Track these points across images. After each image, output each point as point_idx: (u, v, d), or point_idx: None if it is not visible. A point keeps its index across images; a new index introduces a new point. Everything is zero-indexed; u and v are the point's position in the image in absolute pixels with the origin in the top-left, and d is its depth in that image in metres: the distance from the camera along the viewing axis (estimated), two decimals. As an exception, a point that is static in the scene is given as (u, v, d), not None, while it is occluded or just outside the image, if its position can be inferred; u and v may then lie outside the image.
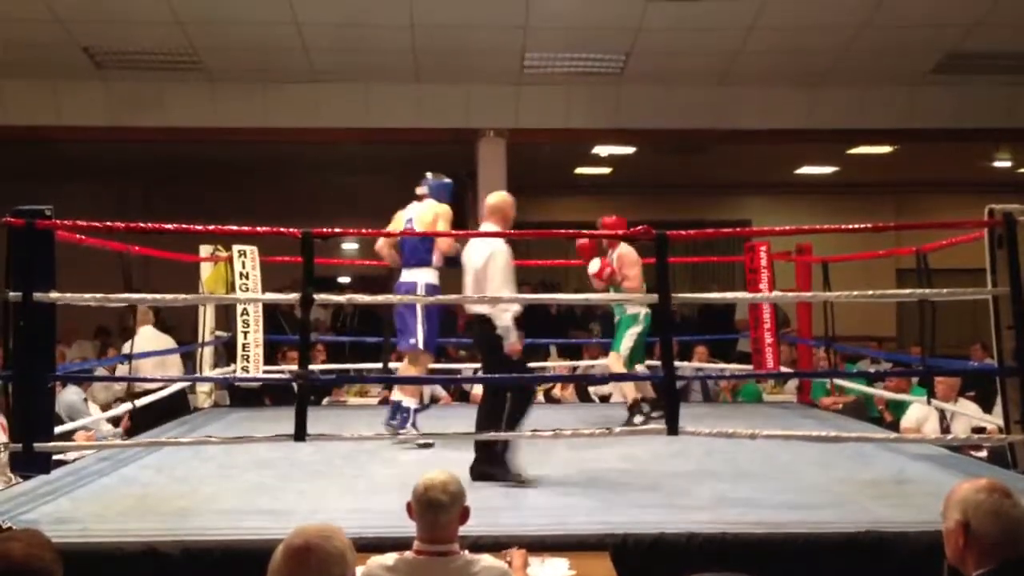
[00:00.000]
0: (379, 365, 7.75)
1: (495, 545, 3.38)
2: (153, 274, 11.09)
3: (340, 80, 9.93)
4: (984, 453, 5.76)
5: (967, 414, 6.45)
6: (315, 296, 4.45)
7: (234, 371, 7.57)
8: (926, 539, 3.53)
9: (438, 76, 9.85)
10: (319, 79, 9.85)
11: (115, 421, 7.11)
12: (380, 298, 5.95)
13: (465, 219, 10.74)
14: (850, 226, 5.42)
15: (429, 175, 6.19)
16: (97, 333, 11.73)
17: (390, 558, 2.84)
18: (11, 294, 4.22)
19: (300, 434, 4.32)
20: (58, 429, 4.83)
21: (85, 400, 7.01)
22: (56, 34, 8.65)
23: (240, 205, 12.79)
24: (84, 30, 8.74)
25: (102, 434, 6.77)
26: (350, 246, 14.86)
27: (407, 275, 6.01)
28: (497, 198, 5.33)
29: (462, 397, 8.85)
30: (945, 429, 6.49)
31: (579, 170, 13.61)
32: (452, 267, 6.08)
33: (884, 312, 14.22)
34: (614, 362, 6.66)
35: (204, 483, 4.91)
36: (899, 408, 7.41)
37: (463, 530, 2.91)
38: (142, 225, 5.10)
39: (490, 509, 4.06)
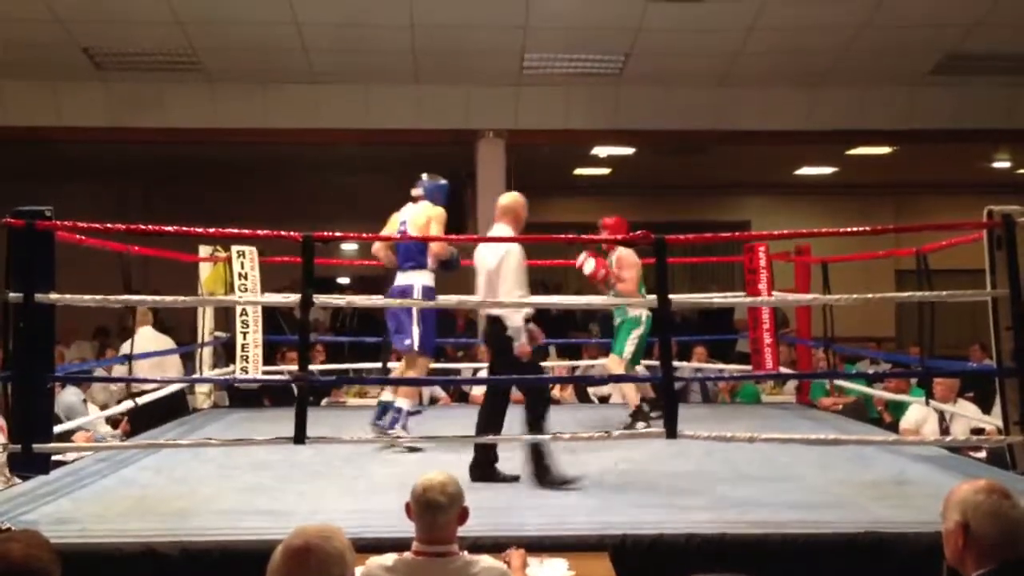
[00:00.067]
0: (378, 365, 7.75)
1: (494, 546, 3.38)
2: (152, 274, 11.08)
3: (340, 81, 9.93)
4: (983, 454, 5.76)
5: (966, 415, 6.45)
6: (315, 298, 4.44)
7: (233, 372, 7.57)
8: (925, 540, 3.53)
9: (438, 77, 9.85)
10: (319, 80, 9.85)
11: (115, 422, 7.11)
12: (380, 301, 5.96)
13: (464, 220, 10.75)
14: (849, 229, 5.40)
15: (424, 176, 6.16)
16: (96, 334, 11.72)
17: (389, 558, 2.84)
18: (11, 295, 4.22)
19: (300, 437, 4.31)
20: (57, 429, 4.82)
21: (84, 401, 7.01)
22: (56, 35, 8.66)
23: (240, 205, 12.80)
24: (84, 31, 8.74)
25: (100, 435, 6.76)
26: (349, 247, 14.87)
27: (402, 278, 5.97)
28: (509, 199, 5.31)
29: (461, 398, 8.85)
30: (944, 430, 6.48)
31: (578, 171, 13.62)
32: (447, 270, 6.06)
33: (883, 313, 14.23)
34: (615, 365, 6.65)
35: (203, 484, 4.91)
36: (898, 409, 7.41)
37: (462, 531, 2.91)
38: (142, 227, 5.10)
39: (489, 510, 4.06)
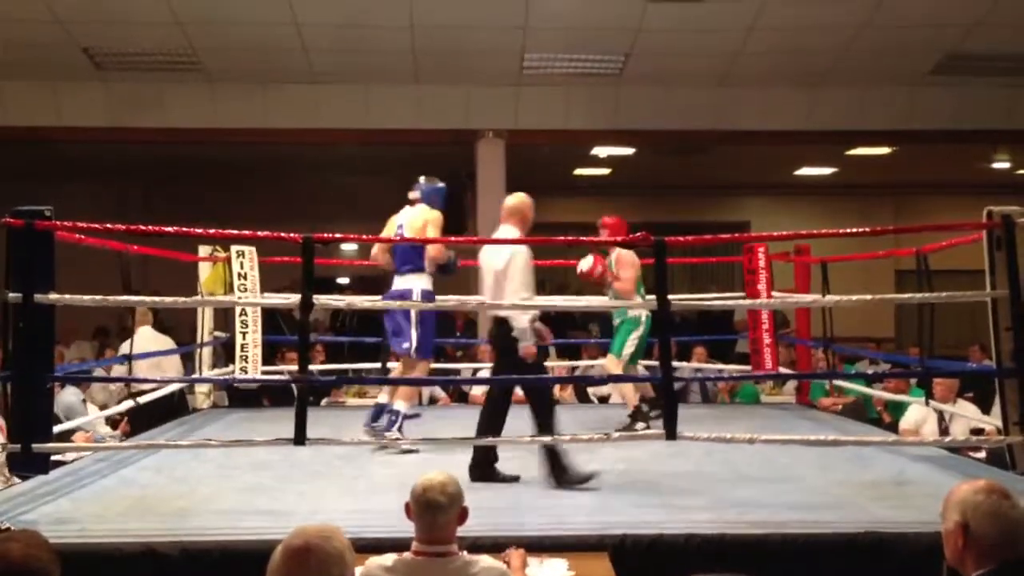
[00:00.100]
0: (378, 365, 7.75)
1: (494, 546, 3.38)
2: (152, 273, 11.09)
3: (340, 81, 9.93)
4: (983, 454, 5.76)
5: (966, 415, 6.45)
6: (315, 300, 4.43)
7: (233, 372, 7.57)
8: (925, 540, 3.53)
9: (437, 77, 9.85)
10: (319, 80, 9.85)
11: (114, 423, 7.11)
12: (380, 303, 5.93)
13: (464, 221, 10.74)
14: (848, 230, 5.40)
15: (422, 179, 6.10)
16: (96, 333, 11.72)
17: (389, 559, 2.84)
18: (11, 295, 4.21)
19: (300, 438, 4.30)
20: (56, 430, 4.82)
21: (84, 401, 7.00)
22: (56, 35, 8.66)
23: (240, 205, 12.80)
24: (84, 31, 8.74)
25: (100, 436, 6.76)
26: (349, 247, 14.87)
27: (400, 282, 5.91)
28: (515, 200, 5.27)
29: (461, 398, 8.85)
30: (944, 430, 6.48)
31: (578, 171, 13.62)
32: (445, 274, 6.02)
33: (883, 313, 14.24)
34: (613, 366, 6.64)
35: (203, 484, 4.91)
36: (898, 409, 7.41)
37: (462, 531, 2.91)
38: (142, 228, 5.10)
39: (489, 510, 4.06)
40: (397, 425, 5.75)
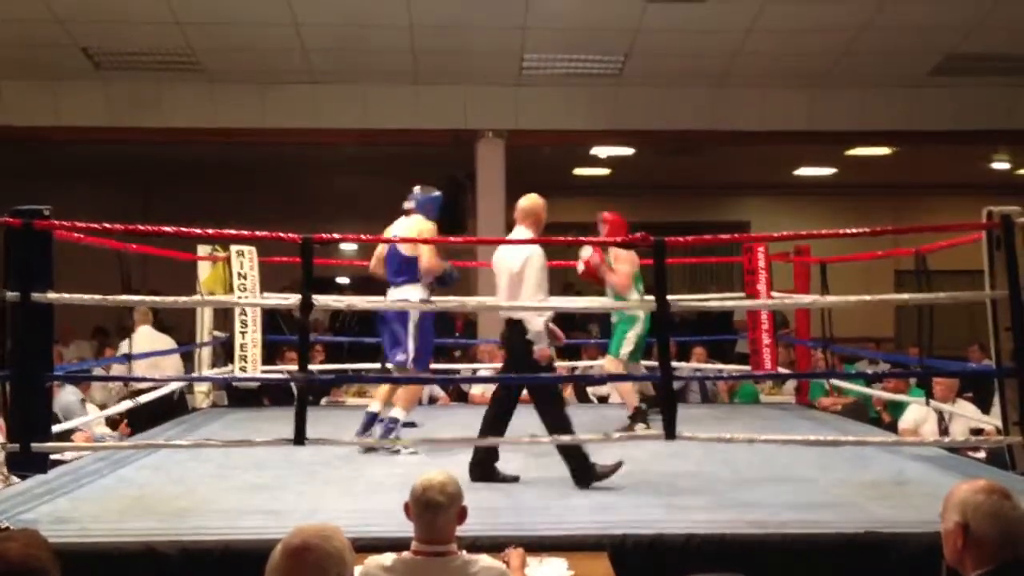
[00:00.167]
0: (378, 365, 7.73)
1: (493, 545, 3.38)
2: (151, 273, 11.09)
3: (339, 81, 9.93)
4: (982, 454, 5.76)
5: (965, 415, 6.45)
6: (314, 301, 4.42)
7: (232, 371, 7.56)
8: (925, 540, 3.53)
9: (437, 77, 9.85)
10: (318, 80, 9.85)
11: (113, 423, 7.10)
12: (379, 303, 5.90)
13: (464, 221, 10.72)
14: (848, 230, 5.39)
15: (417, 189, 6.00)
16: (95, 333, 11.72)
17: (388, 558, 2.84)
18: (9, 294, 4.21)
19: (300, 438, 4.30)
20: (55, 429, 4.82)
21: (82, 401, 6.99)
22: (55, 35, 8.65)
23: (240, 205, 12.78)
24: (83, 31, 8.74)
25: (99, 436, 6.75)
26: (349, 247, 14.86)
27: (395, 293, 5.82)
28: (529, 201, 5.23)
29: (460, 397, 8.84)
30: (943, 430, 6.48)
31: (578, 171, 13.62)
32: (444, 286, 5.89)
33: (882, 313, 14.23)
34: (612, 367, 6.62)
35: (202, 483, 4.91)
36: (897, 409, 7.41)
37: (461, 530, 2.91)
38: (140, 227, 5.09)
39: (488, 509, 4.06)
40: (394, 433, 5.70)
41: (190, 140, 10.53)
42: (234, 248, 7.55)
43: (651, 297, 4.65)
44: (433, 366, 8.26)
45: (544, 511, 4.28)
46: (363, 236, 6.07)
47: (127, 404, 6.54)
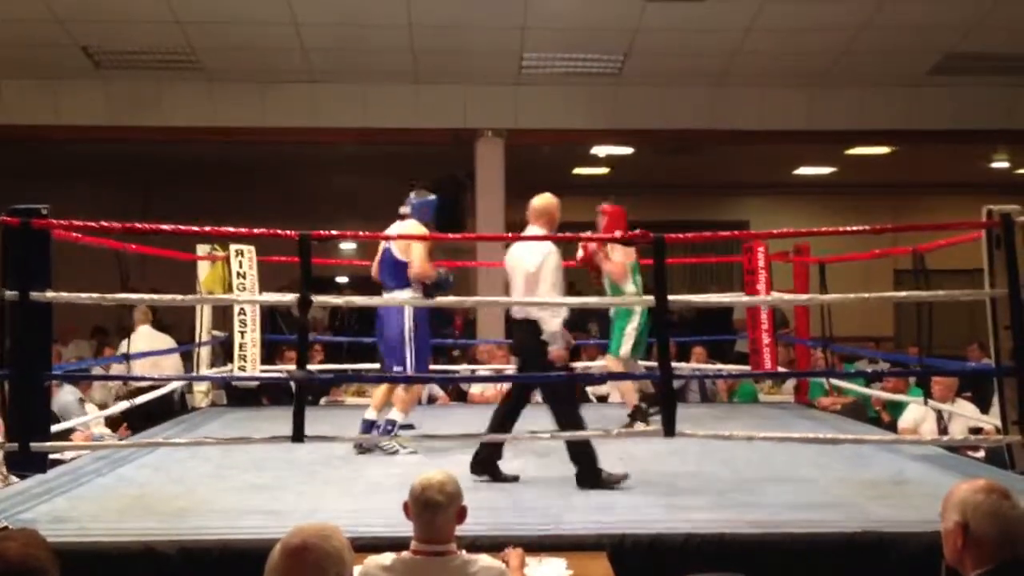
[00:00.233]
0: (377, 365, 7.72)
1: (493, 545, 3.38)
2: (150, 273, 11.07)
3: (338, 80, 9.93)
4: (981, 453, 5.76)
5: (964, 415, 6.45)
6: (312, 298, 4.42)
7: (231, 371, 7.55)
8: (925, 540, 3.53)
9: (436, 76, 9.85)
10: (317, 79, 9.86)
11: (113, 424, 7.09)
12: (377, 300, 5.89)
13: (463, 221, 10.74)
14: (848, 228, 5.40)
15: (412, 194, 5.96)
16: (94, 333, 11.72)
17: (387, 558, 2.84)
18: (8, 293, 4.21)
19: (298, 435, 4.30)
20: (53, 429, 4.81)
21: (81, 400, 6.98)
22: (55, 34, 8.65)
23: (239, 205, 12.79)
24: (83, 30, 8.74)
25: (98, 436, 6.74)
26: (348, 246, 14.86)
27: (389, 298, 5.79)
28: (542, 201, 5.19)
29: (460, 397, 8.84)
30: (942, 430, 6.49)
31: (577, 170, 13.61)
32: (433, 293, 5.79)
33: (882, 313, 14.24)
34: (614, 366, 6.59)
35: (202, 483, 4.90)
36: (897, 409, 7.41)
37: (461, 530, 2.91)
38: (139, 225, 5.09)
39: (488, 509, 4.06)
40: (393, 434, 5.69)
41: (190, 139, 10.54)
42: (233, 247, 7.55)
43: (650, 297, 4.62)
44: (433, 367, 8.27)
45: (543, 511, 4.28)
46: (361, 233, 6.04)
47: (126, 404, 6.52)
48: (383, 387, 6.04)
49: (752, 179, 14.26)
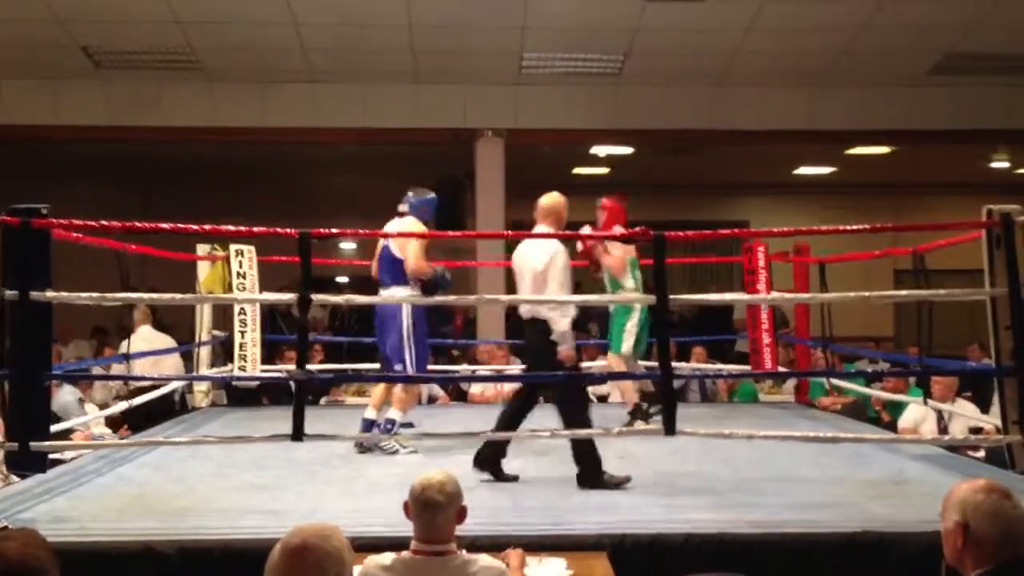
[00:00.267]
0: (377, 365, 7.72)
1: (493, 545, 3.38)
2: (150, 273, 11.08)
3: (338, 80, 9.93)
4: (982, 453, 5.76)
5: (964, 414, 6.45)
6: (312, 297, 4.42)
7: (231, 370, 7.55)
8: (925, 540, 3.52)
9: (436, 76, 9.85)
10: (317, 79, 9.86)
11: (114, 425, 7.09)
12: (377, 299, 5.89)
13: (463, 220, 10.74)
14: (848, 227, 5.40)
15: (411, 193, 5.95)
16: (94, 333, 11.72)
17: (387, 557, 2.84)
18: (8, 293, 4.21)
19: (298, 434, 4.30)
20: (54, 428, 4.81)
21: (80, 400, 6.98)
22: (55, 34, 8.65)
23: (239, 205, 12.79)
24: (83, 30, 8.74)
25: (97, 436, 6.74)
26: (348, 246, 14.86)
27: (387, 296, 5.78)
28: (551, 200, 5.17)
29: (460, 397, 8.84)
30: (943, 429, 6.48)
31: (577, 170, 13.61)
32: (437, 290, 5.77)
33: (882, 313, 14.24)
34: (616, 364, 6.57)
35: (202, 482, 4.90)
36: (897, 408, 7.41)
37: (461, 530, 2.91)
38: (138, 225, 5.09)
39: (488, 509, 4.06)
40: (393, 433, 5.68)
41: (190, 139, 10.54)
42: (233, 247, 7.55)
43: (651, 296, 4.62)
44: (433, 367, 8.25)
45: (544, 511, 4.28)
46: (361, 231, 6.04)
47: (126, 404, 6.52)
48: (381, 385, 6.05)
49: (752, 179, 14.27)
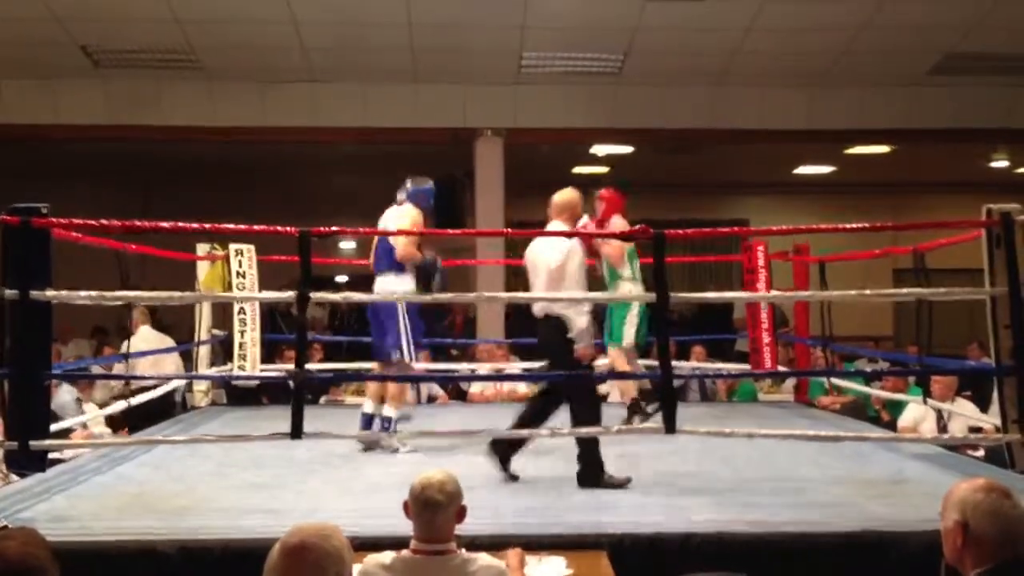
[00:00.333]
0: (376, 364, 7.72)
1: (492, 544, 3.38)
2: (149, 273, 11.06)
3: (338, 79, 9.93)
4: (981, 452, 5.77)
5: (964, 414, 6.45)
6: (311, 295, 4.41)
7: (231, 370, 7.55)
8: (924, 539, 3.52)
9: (436, 75, 9.85)
10: (317, 78, 9.85)
11: (114, 424, 7.09)
12: (376, 297, 5.90)
13: (463, 219, 10.74)
14: (848, 226, 5.40)
15: (409, 181, 5.99)
16: (94, 332, 11.72)
17: (387, 556, 2.84)
18: (8, 292, 4.21)
19: (297, 432, 4.30)
20: (54, 427, 4.81)
21: (78, 400, 6.97)
22: (54, 33, 8.65)
23: (239, 205, 12.76)
24: (82, 29, 8.73)
25: (97, 435, 6.73)
26: (347, 245, 14.86)
27: (381, 282, 5.82)
28: (565, 196, 5.15)
29: (459, 396, 8.84)
30: (942, 429, 6.49)
31: (577, 169, 13.61)
32: (428, 281, 5.77)
33: (881, 312, 14.23)
34: (617, 356, 6.53)
35: (201, 482, 4.90)
36: (896, 408, 7.41)
37: (460, 529, 2.91)
38: (138, 224, 5.08)
39: (487, 508, 4.06)
40: (391, 430, 5.70)
41: (189, 138, 10.53)
42: (232, 247, 7.54)
43: (651, 294, 4.61)
44: (432, 365, 8.26)
45: (543, 510, 4.28)
46: (361, 230, 6.05)
47: (124, 404, 6.52)
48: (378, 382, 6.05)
49: (752, 178, 14.27)
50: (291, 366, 5.06)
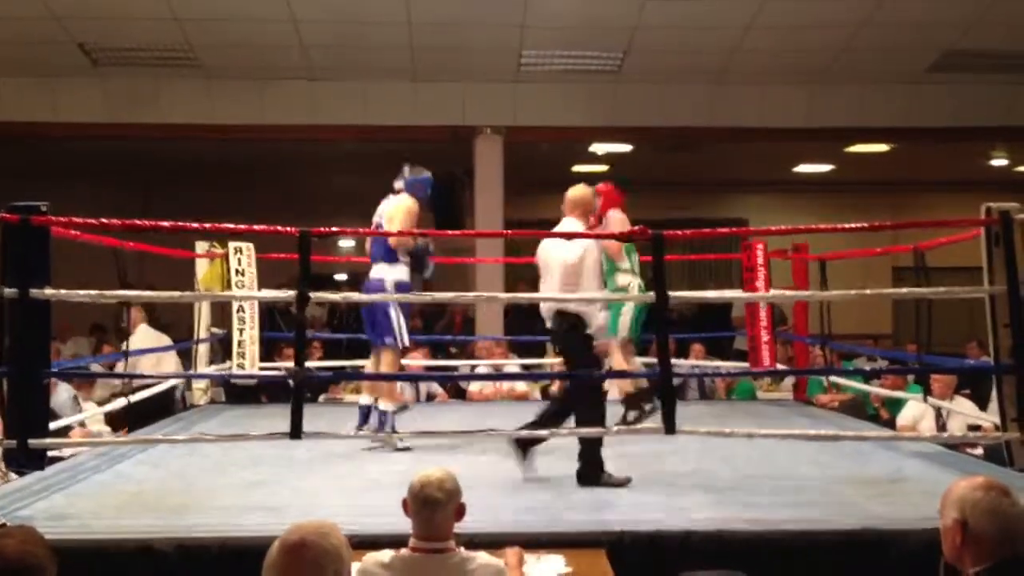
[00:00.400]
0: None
1: (491, 542, 3.37)
2: (148, 271, 11.07)
3: (337, 78, 9.92)
4: (980, 451, 5.77)
5: (963, 412, 6.45)
6: (311, 294, 4.41)
7: (230, 368, 7.55)
8: (924, 537, 3.52)
9: (435, 74, 9.84)
10: (316, 76, 9.84)
11: (113, 422, 7.08)
12: (376, 296, 5.90)
13: (462, 218, 10.74)
14: (847, 225, 5.39)
15: (406, 168, 6.01)
16: (92, 330, 11.72)
17: (386, 555, 2.84)
18: (7, 290, 4.20)
19: (296, 432, 4.30)
20: (52, 425, 4.81)
21: (75, 398, 6.96)
22: (52, 31, 8.64)
23: (239, 204, 12.76)
24: (80, 27, 8.72)
25: (95, 434, 6.72)
26: (347, 243, 14.84)
27: (375, 271, 5.83)
28: (579, 192, 5.15)
29: (458, 394, 8.84)
30: (941, 427, 6.49)
31: (576, 168, 13.59)
32: (419, 270, 5.82)
33: (880, 310, 14.24)
34: (612, 349, 6.50)
35: (200, 480, 4.90)
36: (895, 406, 7.41)
37: (459, 527, 2.91)
38: (138, 223, 5.08)
39: (486, 507, 4.06)
40: (389, 426, 5.69)
41: (188, 136, 10.52)
42: (232, 245, 7.54)
43: (651, 293, 4.61)
44: (432, 363, 8.25)
45: (542, 508, 4.28)
46: (361, 230, 6.05)
47: (124, 402, 6.51)
48: (372, 368, 6.08)
49: (751, 177, 14.26)
50: (290, 364, 5.06)
